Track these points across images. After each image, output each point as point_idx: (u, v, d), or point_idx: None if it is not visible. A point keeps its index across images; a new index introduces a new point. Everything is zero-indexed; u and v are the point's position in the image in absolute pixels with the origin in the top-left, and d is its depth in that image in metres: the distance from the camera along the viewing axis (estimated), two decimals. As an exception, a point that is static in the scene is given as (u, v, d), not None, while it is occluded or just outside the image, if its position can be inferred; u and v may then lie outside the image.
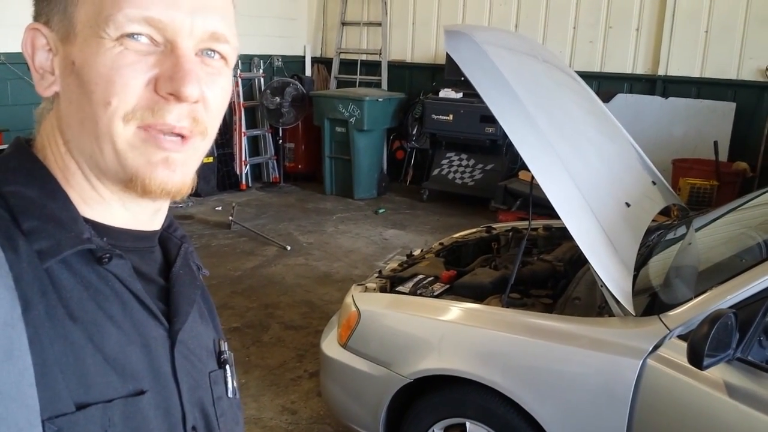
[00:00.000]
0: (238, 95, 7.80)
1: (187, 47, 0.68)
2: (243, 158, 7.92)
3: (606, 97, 6.41)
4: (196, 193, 7.40)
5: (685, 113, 6.49)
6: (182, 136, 0.69)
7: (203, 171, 7.35)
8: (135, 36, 0.66)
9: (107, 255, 0.68)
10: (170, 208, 0.81)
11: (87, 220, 0.70)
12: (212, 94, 0.70)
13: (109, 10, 0.65)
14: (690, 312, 2.02)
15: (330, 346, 2.75)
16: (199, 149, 0.72)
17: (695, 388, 1.91)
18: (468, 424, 2.40)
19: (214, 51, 0.71)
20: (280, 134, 8.13)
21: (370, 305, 2.65)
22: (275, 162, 8.33)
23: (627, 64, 6.98)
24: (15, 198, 0.66)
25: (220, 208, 7.05)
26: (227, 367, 0.84)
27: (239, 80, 7.83)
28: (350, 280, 4.54)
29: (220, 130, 0.74)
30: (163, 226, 0.80)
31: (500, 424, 2.31)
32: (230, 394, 0.83)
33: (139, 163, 0.67)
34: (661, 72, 6.77)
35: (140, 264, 0.74)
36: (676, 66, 6.69)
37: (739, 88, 6.43)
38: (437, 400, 2.48)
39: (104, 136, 0.67)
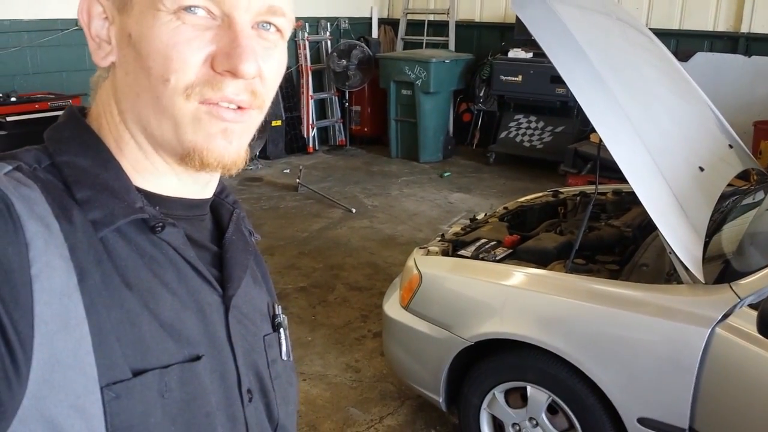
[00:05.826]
0: (306, 58, 7.84)
1: (244, 21, 0.67)
2: (310, 121, 7.98)
3: (685, 56, 6.13)
4: (265, 156, 7.55)
5: (770, 73, 6.15)
6: (240, 108, 0.69)
7: (272, 134, 7.46)
8: (192, 9, 0.64)
9: (160, 224, 0.69)
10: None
11: (139, 190, 0.70)
12: (268, 68, 0.70)
13: None
14: (762, 280, 1.95)
15: (392, 307, 2.79)
16: (254, 122, 0.72)
17: (764, 359, 1.86)
18: (529, 388, 2.40)
19: (270, 23, 0.70)
20: (347, 97, 8.15)
21: (432, 268, 2.66)
22: (341, 125, 8.37)
23: (707, 21, 6.63)
24: (68, 168, 0.67)
25: (287, 171, 7.16)
26: (281, 330, 0.85)
27: (306, 43, 7.86)
28: (414, 243, 4.55)
29: (287, 93, 0.74)
30: (215, 192, 0.80)
31: (561, 389, 2.31)
32: (284, 357, 0.84)
33: (197, 137, 0.68)
34: (744, 29, 6.40)
35: (192, 231, 0.75)
36: (761, 23, 6.31)
37: (830, 45, 6.04)
38: (498, 364, 2.49)
39: (165, 111, 0.67)
